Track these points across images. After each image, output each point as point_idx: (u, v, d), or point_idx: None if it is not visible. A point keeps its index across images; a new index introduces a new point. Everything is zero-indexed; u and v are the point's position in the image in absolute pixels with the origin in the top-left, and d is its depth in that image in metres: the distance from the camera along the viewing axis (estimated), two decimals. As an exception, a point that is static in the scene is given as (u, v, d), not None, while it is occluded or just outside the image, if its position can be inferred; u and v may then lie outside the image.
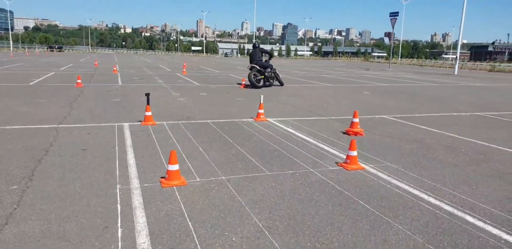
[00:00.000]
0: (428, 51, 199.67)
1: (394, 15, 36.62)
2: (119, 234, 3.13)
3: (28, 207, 3.61)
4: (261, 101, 8.32)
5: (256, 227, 3.33)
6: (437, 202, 3.98)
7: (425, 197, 4.12)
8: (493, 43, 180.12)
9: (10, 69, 22.41)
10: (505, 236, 3.27)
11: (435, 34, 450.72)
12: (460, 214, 3.70)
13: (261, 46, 17.01)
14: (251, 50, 15.87)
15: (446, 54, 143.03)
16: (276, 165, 5.08)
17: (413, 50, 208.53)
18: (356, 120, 7.08)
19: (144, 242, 3.01)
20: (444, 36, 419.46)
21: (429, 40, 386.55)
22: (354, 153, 5.05)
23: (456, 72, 32.47)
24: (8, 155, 5.20)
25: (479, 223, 3.51)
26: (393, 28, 36.82)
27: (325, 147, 6.11)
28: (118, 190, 4.09)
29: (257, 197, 4.00)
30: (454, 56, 34.15)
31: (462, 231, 3.34)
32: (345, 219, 3.53)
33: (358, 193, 4.17)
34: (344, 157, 5.26)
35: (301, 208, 3.75)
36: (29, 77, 17.19)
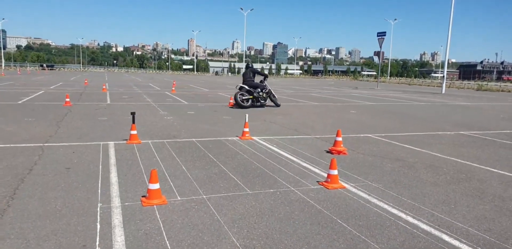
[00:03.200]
0: (417, 70, 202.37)
1: (381, 34, 37.32)
2: (96, 254, 3.15)
3: (7, 226, 3.62)
4: (246, 120, 8.41)
5: (234, 246, 3.36)
6: (415, 221, 4.04)
7: (403, 216, 4.18)
8: (481, 62, 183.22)
9: (0, 88, 22.38)
10: (478, 254, 3.33)
11: (424, 53, 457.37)
12: (437, 233, 3.76)
13: (252, 64, 17.09)
14: (243, 71, 16.02)
15: (435, 73, 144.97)
16: (258, 184, 5.13)
17: (403, 69, 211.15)
18: (339, 139, 7.17)
19: (121, 262, 3.03)
20: (433, 55, 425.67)
21: (419, 59, 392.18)
22: (335, 172, 5.12)
23: (443, 91, 32.96)
24: (-10, 174, 5.20)
25: (455, 242, 3.57)
26: (380, 47, 37.45)
27: (308, 166, 6.18)
28: (99, 209, 4.11)
29: (237, 216, 4.04)
30: (442, 75, 34.65)
31: (437, 250, 3.39)
32: (322, 238, 3.57)
33: (337, 212, 4.23)
34: (326, 175, 5.33)
35: (279, 226, 3.79)
36: (18, 96, 17.19)
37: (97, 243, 3.33)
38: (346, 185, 5.17)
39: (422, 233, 3.73)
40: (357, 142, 8.39)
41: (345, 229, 3.77)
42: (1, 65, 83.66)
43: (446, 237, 3.66)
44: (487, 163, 6.76)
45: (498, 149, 8.09)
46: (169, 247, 3.30)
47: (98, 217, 3.89)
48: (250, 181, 5.26)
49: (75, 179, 5.14)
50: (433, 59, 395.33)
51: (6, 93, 18.49)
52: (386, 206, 4.45)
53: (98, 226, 3.67)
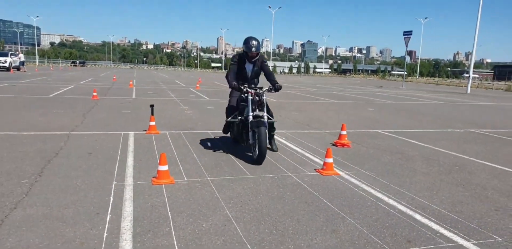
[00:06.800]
0: (449, 70, 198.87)
1: (408, 33, 37.17)
2: (108, 219, 3.70)
3: (34, 196, 4.21)
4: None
5: (226, 217, 3.86)
6: (395, 203, 4.46)
7: (386, 199, 4.60)
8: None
9: (33, 82, 23.49)
10: (442, 231, 3.73)
11: (457, 53, 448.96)
12: (411, 213, 4.18)
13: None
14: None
15: (467, 73, 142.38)
16: (259, 170, 5.62)
17: (434, 68, 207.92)
18: (344, 132, 7.58)
19: (127, 225, 3.57)
20: (467, 55, 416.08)
21: (452, 59, 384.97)
22: (330, 160, 5.57)
23: (468, 91, 32.68)
24: (22, 156, 5.86)
25: (425, 221, 3.97)
26: (406, 46, 37.34)
27: (310, 156, 6.63)
28: (113, 186, 4.67)
29: (234, 194, 4.54)
30: (476, 75, 34.38)
31: (406, 226, 3.81)
32: (306, 213, 4.04)
33: (325, 194, 4.68)
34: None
35: (270, 204, 4.27)
36: (50, 90, 18.14)
37: (109, 211, 3.89)
38: (340, 173, 5.61)
39: (398, 213, 4.15)
40: (364, 136, 8.78)
41: (328, 207, 4.23)
42: (35, 62, 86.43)
43: (418, 216, 4.08)
44: (484, 157, 7.07)
45: (501, 146, 8.35)
46: (170, 216, 3.82)
47: (112, 192, 4.45)
48: (252, 167, 5.75)
49: (95, 162, 5.74)
50: (466, 59, 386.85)
51: (39, 87, 19.48)
52: (372, 191, 4.87)
53: (111, 199, 4.23)
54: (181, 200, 4.31)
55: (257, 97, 6.09)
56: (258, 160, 5.80)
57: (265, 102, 6.16)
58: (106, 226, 3.55)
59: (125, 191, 4.52)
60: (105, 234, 3.38)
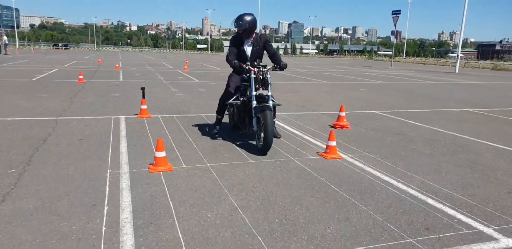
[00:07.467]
0: (434, 49, 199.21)
1: (396, 13, 36.81)
2: (105, 211, 3.45)
3: (24, 188, 3.93)
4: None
5: (232, 206, 3.63)
6: (405, 187, 4.27)
7: (394, 183, 4.41)
8: (500, 41, 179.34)
9: (15, 65, 22.82)
10: (459, 216, 3.55)
11: (442, 33, 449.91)
12: (423, 197, 4.00)
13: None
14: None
15: (452, 52, 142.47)
16: (260, 154, 5.38)
17: (420, 48, 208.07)
18: (343, 114, 7.37)
19: (127, 217, 3.32)
20: (452, 35, 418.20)
21: (437, 39, 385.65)
22: (333, 143, 5.35)
23: (457, 71, 32.64)
24: (8, 143, 5.54)
25: (439, 205, 3.80)
26: (395, 26, 37.02)
27: (310, 139, 6.41)
28: (108, 174, 4.40)
29: (237, 181, 4.31)
30: (461, 54, 34.27)
31: (420, 211, 3.63)
32: (314, 200, 3.82)
33: (332, 179, 4.47)
34: (325, 147, 5.55)
35: (276, 190, 4.05)
36: (32, 73, 17.59)
37: (106, 202, 3.63)
38: (344, 156, 5.40)
39: (409, 198, 3.97)
40: (361, 117, 8.58)
41: (337, 193, 4.02)
42: (15, 44, 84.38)
43: (431, 201, 3.90)
44: (486, 138, 6.92)
45: (500, 125, 8.22)
46: (172, 206, 3.58)
47: (107, 181, 4.18)
48: (252, 151, 5.51)
49: (87, 148, 5.45)
50: (451, 39, 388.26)
51: (21, 70, 18.90)
52: (379, 174, 4.68)
53: (107, 189, 3.97)
54: (182, 188, 4.06)
55: (260, 76, 5.70)
56: (263, 149, 5.36)
57: (269, 81, 5.72)
58: (104, 219, 3.29)
59: (121, 179, 4.26)
60: (104, 228, 3.13)
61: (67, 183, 4.12)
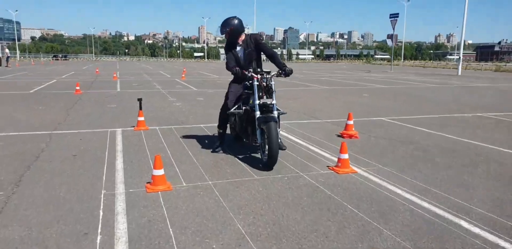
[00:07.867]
0: (432, 52, 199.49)
1: (394, 16, 36.60)
2: (98, 241, 3.06)
3: (11, 213, 3.56)
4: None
5: (239, 233, 3.23)
6: (430, 207, 3.85)
7: (418, 201, 4.00)
8: (499, 43, 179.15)
9: (13, 78, 22.50)
10: (503, 243, 3.10)
11: (439, 35, 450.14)
12: (453, 219, 3.56)
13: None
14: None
15: (450, 55, 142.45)
16: (266, 169, 4.99)
17: (417, 51, 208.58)
18: (351, 122, 6.98)
19: (121, 250, 2.93)
20: (449, 37, 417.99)
21: (434, 41, 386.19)
22: (346, 156, 4.96)
23: (459, 73, 32.26)
24: (-4, 162, 5.15)
25: (475, 230, 3.34)
26: (393, 29, 36.78)
27: (317, 150, 6.02)
28: (102, 195, 4.02)
29: (243, 202, 3.91)
30: (458, 56, 33.90)
31: (455, 238, 3.19)
32: (332, 224, 3.42)
33: (348, 198, 4.07)
34: (336, 160, 5.16)
35: (287, 213, 3.65)
36: (30, 85, 17.25)
37: (99, 230, 3.24)
38: (357, 169, 5.00)
39: (438, 219, 3.53)
40: (369, 125, 8.19)
41: (356, 215, 3.62)
42: (16, 57, 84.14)
43: (464, 223, 3.44)
44: (507, 145, 6.49)
45: (516, 131, 7.82)
46: (172, 234, 3.19)
47: (102, 204, 3.80)
48: (256, 166, 5.12)
49: (81, 165, 5.07)
50: (448, 41, 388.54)
51: (20, 82, 18.63)
52: (399, 191, 4.28)
53: (101, 213, 3.58)
54: (183, 211, 3.67)
55: (264, 83, 5.27)
56: (269, 164, 4.92)
57: (273, 88, 5.30)
58: (96, 252, 2.90)
59: (116, 202, 3.86)
60: (95, 264, 2.73)
61: (58, 206, 3.73)
